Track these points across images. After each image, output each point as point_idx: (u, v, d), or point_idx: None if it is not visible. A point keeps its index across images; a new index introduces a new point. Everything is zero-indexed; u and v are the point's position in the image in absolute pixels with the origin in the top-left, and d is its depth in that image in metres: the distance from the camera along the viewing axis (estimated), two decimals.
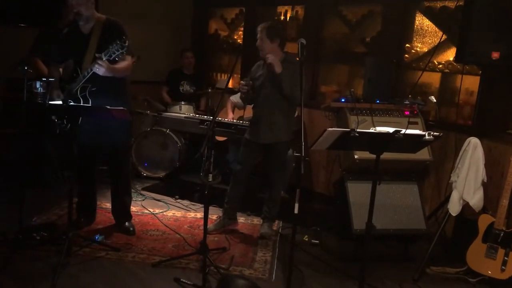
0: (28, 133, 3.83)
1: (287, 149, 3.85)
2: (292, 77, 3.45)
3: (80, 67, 3.36)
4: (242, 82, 3.70)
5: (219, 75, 6.47)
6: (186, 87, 5.54)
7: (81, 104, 3.32)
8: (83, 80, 3.30)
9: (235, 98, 4.94)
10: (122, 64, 3.32)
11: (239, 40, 6.10)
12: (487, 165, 3.46)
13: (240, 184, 3.88)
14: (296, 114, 4.17)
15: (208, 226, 3.82)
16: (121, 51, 3.11)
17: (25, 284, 2.85)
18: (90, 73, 3.23)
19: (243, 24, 5.98)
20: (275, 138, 3.67)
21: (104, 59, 3.12)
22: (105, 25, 3.38)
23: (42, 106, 3.35)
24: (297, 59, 3.08)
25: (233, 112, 5.00)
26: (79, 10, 3.30)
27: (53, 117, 3.15)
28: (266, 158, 3.81)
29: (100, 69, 3.15)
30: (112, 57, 3.14)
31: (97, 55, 3.16)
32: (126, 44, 3.09)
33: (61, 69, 3.59)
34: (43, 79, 3.85)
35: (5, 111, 4.68)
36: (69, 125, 3.22)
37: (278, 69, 3.49)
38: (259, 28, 3.62)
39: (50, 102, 3.23)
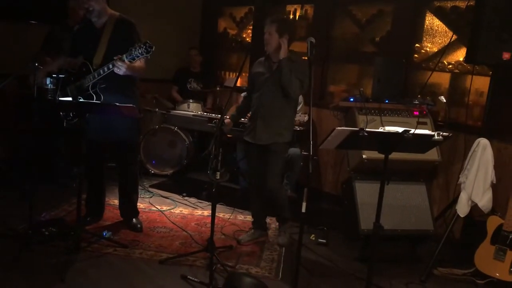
0: (39, 129, 3.86)
1: (284, 152, 3.59)
2: (293, 72, 3.32)
3: (91, 62, 3.38)
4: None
5: (227, 73, 6.48)
6: (193, 85, 5.56)
7: (94, 100, 3.33)
8: (97, 77, 3.31)
9: None
10: (139, 64, 3.32)
11: (247, 39, 6.11)
12: (496, 166, 3.43)
13: (258, 193, 3.70)
14: (305, 117, 4.14)
15: (241, 237, 3.72)
16: (145, 55, 3.10)
17: (34, 279, 2.88)
18: (107, 72, 3.24)
19: (252, 22, 5.99)
20: (270, 139, 3.48)
21: (125, 60, 3.13)
22: (118, 22, 3.40)
23: (52, 102, 3.38)
24: (305, 58, 3.04)
25: None
26: (90, 5, 3.31)
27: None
28: (261, 160, 3.55)
29: (121, 70, 3.16)
30: (135, 59, 3.15)
31: (115, 58, 3.16)
32: (153, 48, 3.08)
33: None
34: (53, 75, 3.89)
35: (16, 108, 4.72)
36: (75, 118, 3.25)
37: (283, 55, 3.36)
38: (268, 21, 3.41)
39: (60, 99, 3.24)
